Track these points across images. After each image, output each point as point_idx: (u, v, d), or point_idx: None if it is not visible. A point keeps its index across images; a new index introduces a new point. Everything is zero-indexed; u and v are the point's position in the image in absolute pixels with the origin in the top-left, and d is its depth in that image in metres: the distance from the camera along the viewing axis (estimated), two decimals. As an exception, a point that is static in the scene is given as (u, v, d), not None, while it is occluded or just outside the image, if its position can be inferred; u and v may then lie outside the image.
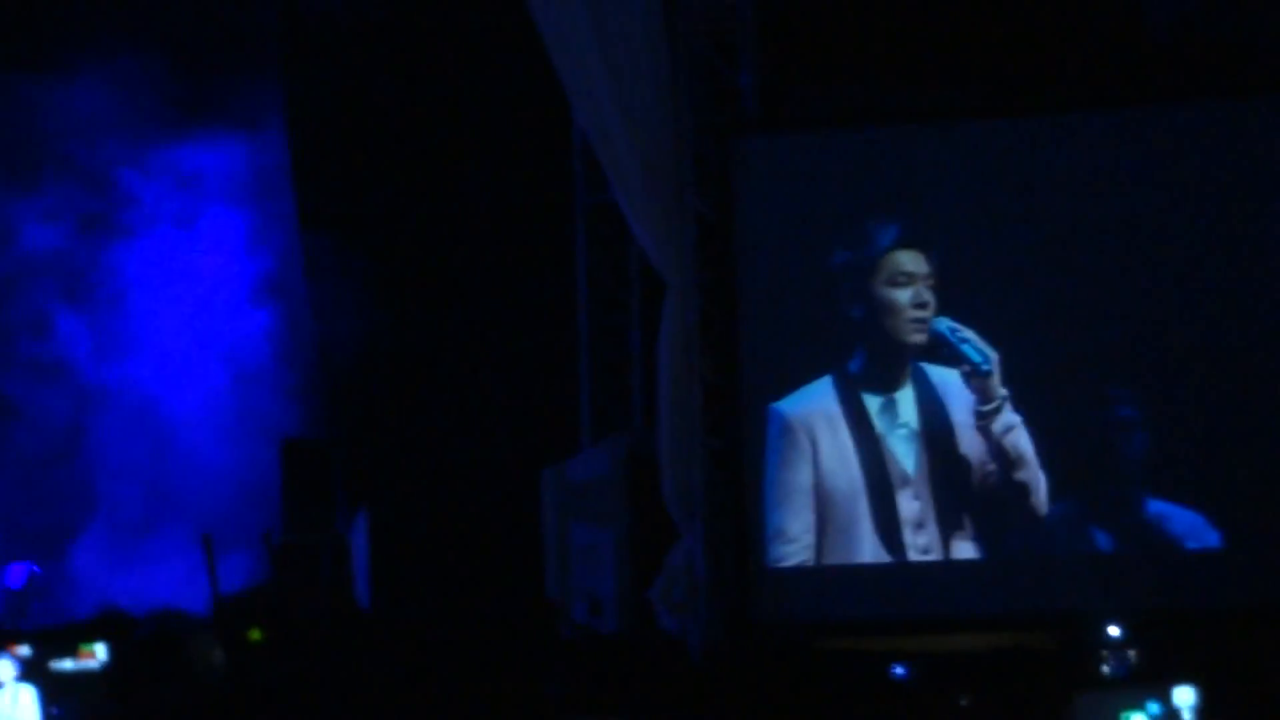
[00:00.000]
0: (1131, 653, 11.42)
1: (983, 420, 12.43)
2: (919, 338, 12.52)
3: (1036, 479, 12.34)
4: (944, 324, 12.48)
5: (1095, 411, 12.34)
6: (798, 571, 12.53)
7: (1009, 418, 12.42)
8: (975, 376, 12.44)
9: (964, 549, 12.40)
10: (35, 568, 15.76)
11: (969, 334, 12.46)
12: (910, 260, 12.55)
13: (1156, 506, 12.24)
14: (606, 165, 13.34)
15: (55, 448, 16.52)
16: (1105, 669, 11.41)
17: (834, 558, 12.51)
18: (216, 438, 16.31)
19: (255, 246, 16.48)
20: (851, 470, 12.51)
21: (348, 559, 14.79)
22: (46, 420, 16.55)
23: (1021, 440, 12.38)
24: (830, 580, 12.52)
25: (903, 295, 12.54)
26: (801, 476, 12.54)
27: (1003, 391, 12.40)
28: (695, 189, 13.03)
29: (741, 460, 12.65)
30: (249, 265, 16.57)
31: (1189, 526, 12.19)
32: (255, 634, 12.34)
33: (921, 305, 12.51)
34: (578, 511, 14.04)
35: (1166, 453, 12.23)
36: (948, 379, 12.49)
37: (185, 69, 16.29)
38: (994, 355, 12.39)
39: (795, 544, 12.53)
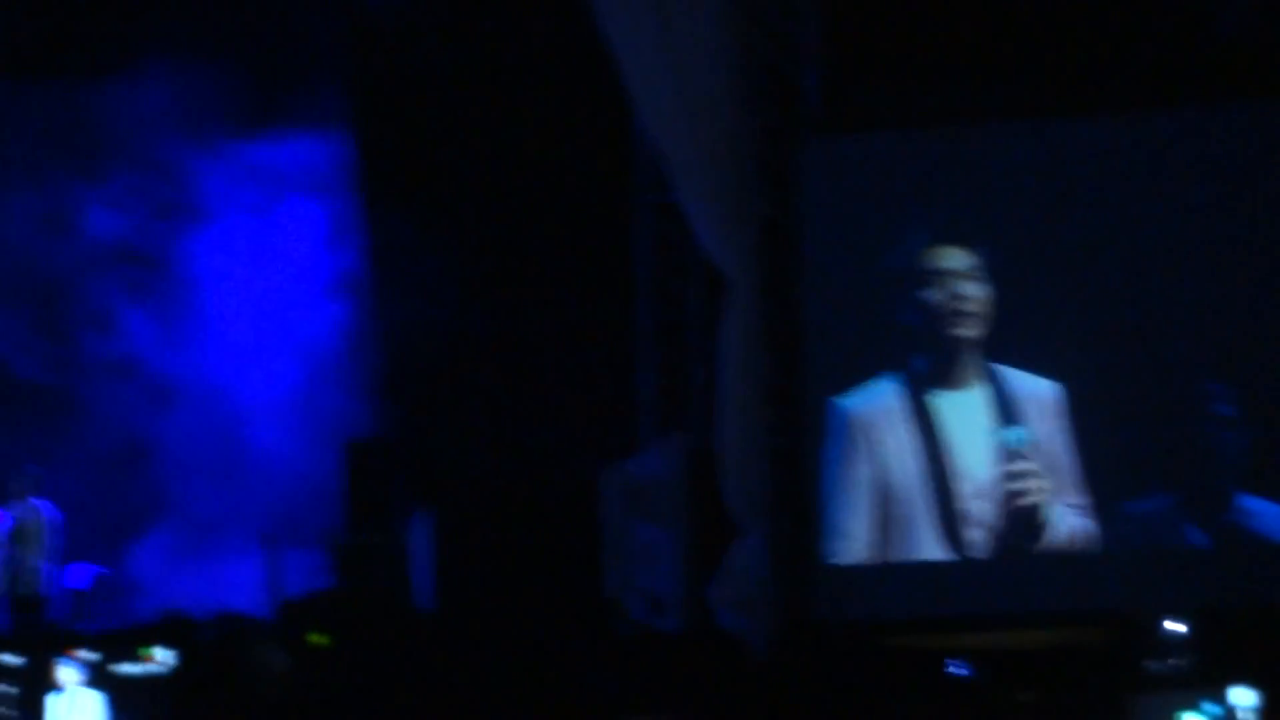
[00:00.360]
0: (1177, 656, 11.29)
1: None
2: (968, 332, 12.43)
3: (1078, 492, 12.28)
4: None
5: (1190, 408, 12.21)
6: (859, 569, 12.45)
7: (1036, 442, 12.36)
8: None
9: (1026, 546, 12.30)
10: (100, 568, 15.80)
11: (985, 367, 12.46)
12: (948, 257, 12.49)
13: (1248, 503, 12.08)
14: (669, 165, 13.32)
15: (122, 444, 16.59)
16: (1153, 668, 11.27)
17: (895, 555, 12.43)
18: (285, 435, 16.35)
19: (336, 240, 16.52)
20: (914, 467, 12.42)
21: (407, 560, 14.77)
22: (114, 415, 16.63)
23: (1057, 461, 12.30)
24: (891, 577, 12.43)
25: (943, 293, 12.47)
26: (863, 474, 12.47)
27: (1027, 419, 12.35)
28: (758, 189, 13.00)
29: (803, 459, 12.58)
30: (327, 258, 16.61)
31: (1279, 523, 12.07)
32: (318, 638, 12.33)
33: (961, 298, 12.42)
34: (638, 510, 13.99)
35: (1263, 450, 12.06)
36: (1020, 381, 12.39)
37: (260, 69, 16.39)
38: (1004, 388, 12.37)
39: (856, 541, 12.46)
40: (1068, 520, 12.26)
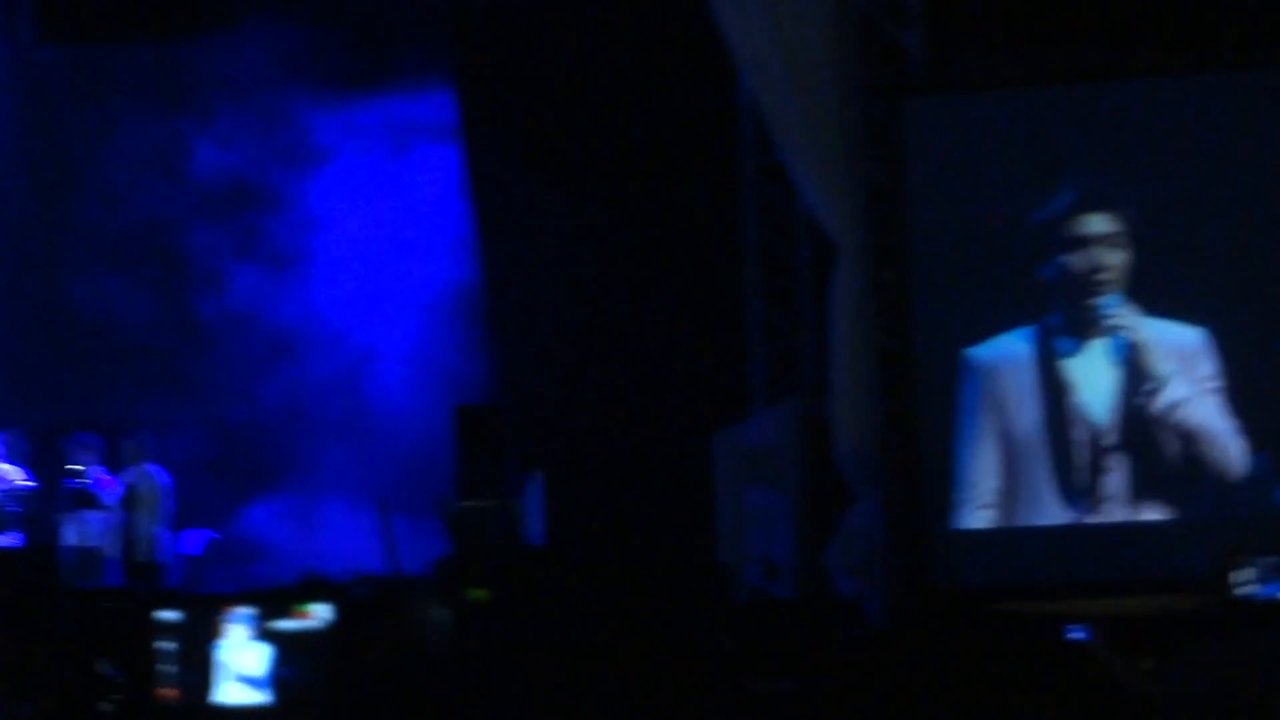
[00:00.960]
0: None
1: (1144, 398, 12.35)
2: (1105, 299, 12.38)
3: (1215, 450, 12.20)
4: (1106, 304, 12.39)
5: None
6: (978, 533, 12.44)
7: (1172, 394, 12.29)
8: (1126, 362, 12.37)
9: (1151, 510, 12.29)
10: (213, 534, 15.93)
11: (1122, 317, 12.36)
12: (1091, 223, 12.42)
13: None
14: (774, 129, 13.29)
15: (235, 403, 16.65)
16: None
17: (1017, 519, 12.41)
18: (399, 393, 16.39)
19: (453, 196, 16.45)
20: (1039, 428, 12.38)
21: (519, 525, 14.82)
22: (227, 373, 16.68)
23: (1194, 415, 12.24)
24: (1012, 542, 12.40)
25: (1080, 259, 12.41)
26: (990, 427, 12.42)
27: (1162, 370, 12.29)
28: (864, 151, 12.96)
29: (918, 421, 12.58)
30: (446, 214, 16.56)
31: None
32: (479, 593, 12.29)
33: (1099, 269, 12.37)
34: (751, 476, 14.04)
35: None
36: (1160, 329, 12.33)
37: (369, 23, 16.38)
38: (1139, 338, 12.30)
39: (976, 506, 12.43)
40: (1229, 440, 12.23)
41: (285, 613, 10.66)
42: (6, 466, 15.59)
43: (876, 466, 12.72)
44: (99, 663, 11.37)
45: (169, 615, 10.48)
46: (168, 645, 10.47)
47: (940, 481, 12.47)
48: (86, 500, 15.51)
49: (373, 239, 16.72)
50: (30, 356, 17.17)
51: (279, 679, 10.72)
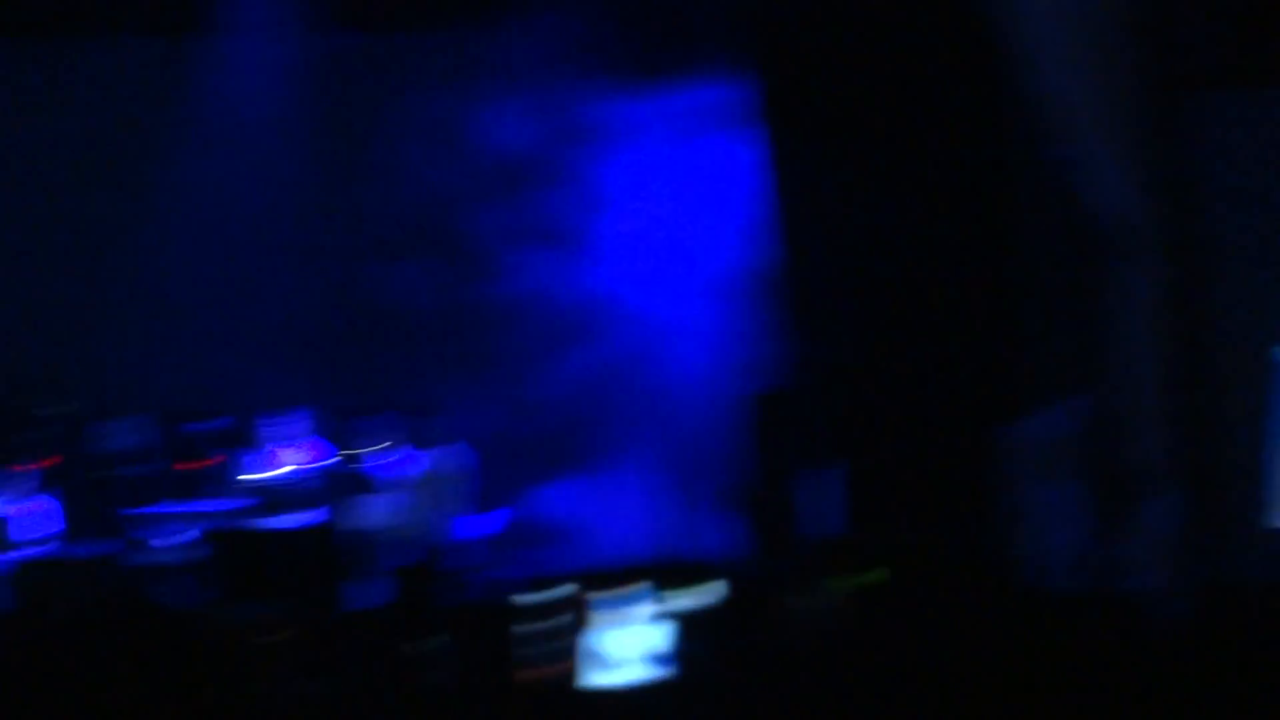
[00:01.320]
0: None
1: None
2: None
3: None
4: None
5: None
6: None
7: None
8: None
9: None
10: (511, 513, 16.14)
11: None
12: None
13: None
14: (1065, 123, 13.21)
15: (528, 384, 16.78)
16: None
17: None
18: (691, 378, 16.43)
19: (744, 183, 16.42)
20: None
21: (806, 515, 14.86)
22: (521, 354, 16.81)
23: None
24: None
25: None
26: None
27: None
28: (1161, 146, 12.85)
29: (1218, 419, 12.50)
30: (751, 195, 16.54)
31: None
32: (873, 576, 12.30)
33: None
34: (1040, 470, 14.01)
35: None
36: None
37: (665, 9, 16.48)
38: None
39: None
40: None
41: (661, 594, 10.67)
42: (304, 448, 16.01)
43: (1171, 462, 12.65)
44: (414, 641, 11.60)
45: (534, 596, 10.51)
46: (532, 625, 10.56)
47: (1247, 479, 12.37)
48: (384, 481, 15.87)
49: (668, 222, 16.76)
50: (327, 340, 17.48)
51: (670, 657, 10.68)
